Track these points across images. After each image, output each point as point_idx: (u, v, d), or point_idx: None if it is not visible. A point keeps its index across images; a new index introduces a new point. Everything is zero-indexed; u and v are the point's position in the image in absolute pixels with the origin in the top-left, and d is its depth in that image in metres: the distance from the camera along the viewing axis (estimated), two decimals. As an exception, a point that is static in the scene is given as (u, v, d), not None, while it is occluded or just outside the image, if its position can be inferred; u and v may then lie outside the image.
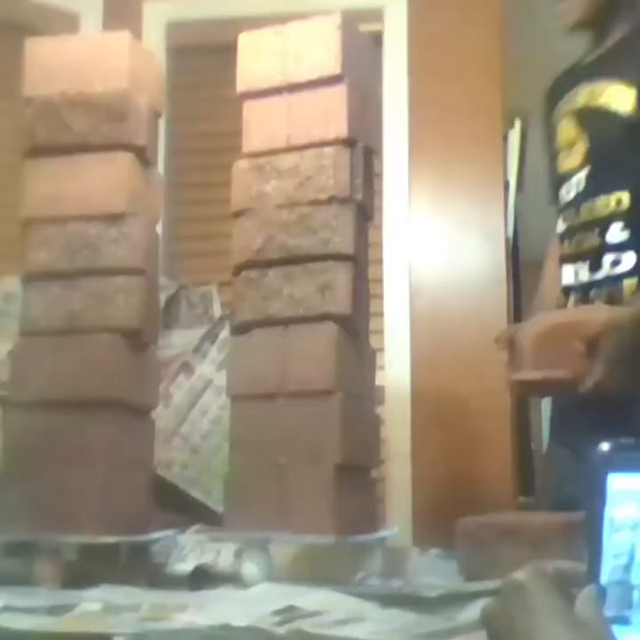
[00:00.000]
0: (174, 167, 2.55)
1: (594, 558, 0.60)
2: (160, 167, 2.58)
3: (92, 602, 1.06)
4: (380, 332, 2.27)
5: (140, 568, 1.29)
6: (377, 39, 2.36)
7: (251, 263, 1.36)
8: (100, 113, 1.37)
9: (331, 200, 1.30)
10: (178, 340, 2.08)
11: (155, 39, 2.57)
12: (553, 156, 1.65)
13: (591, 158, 1.56)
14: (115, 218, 1.35)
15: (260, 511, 1.27)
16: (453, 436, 2.30)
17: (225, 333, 2.02)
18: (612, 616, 0.58)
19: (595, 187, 1.56)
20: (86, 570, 1.23)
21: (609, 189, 1.54)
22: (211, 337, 2.08)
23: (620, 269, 1.54)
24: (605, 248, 1.55)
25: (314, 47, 1.34)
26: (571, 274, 1.61)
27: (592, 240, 1.57)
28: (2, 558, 1.29)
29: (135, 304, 1.34)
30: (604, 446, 0.59)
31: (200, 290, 2.20)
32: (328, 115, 1.32)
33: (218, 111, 2.48)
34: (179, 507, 1.80)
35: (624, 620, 0.59)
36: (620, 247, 1.55)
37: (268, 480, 1.29)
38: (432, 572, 1.25)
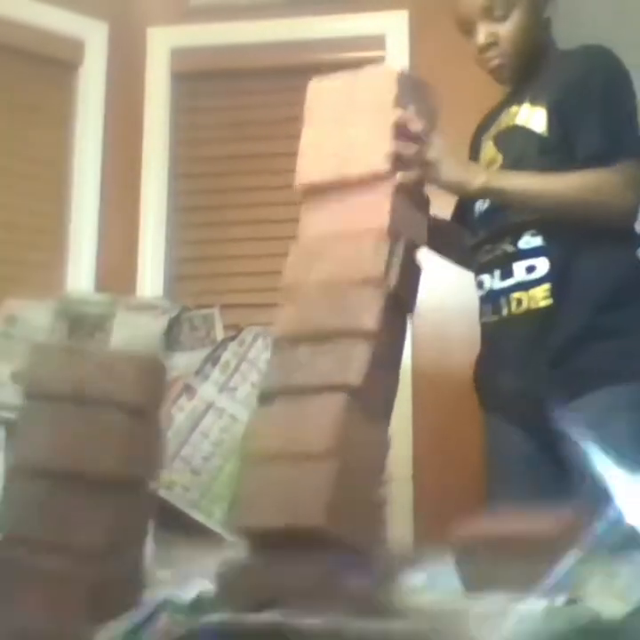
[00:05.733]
0: (177, 191, 2.58)
1: None
2: (163, 190, 2.64)
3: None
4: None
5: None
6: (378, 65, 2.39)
7: (285, 338, 1.37)
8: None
9: (364, 282, 1.32)
10: (180, 363, 2.09)
11: (159, 65, 2.61)
12: None
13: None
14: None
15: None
16: (455, 458, 2.30)
17: (227, 355, 2.03)
18: None
19: None
20: None
21: None
22: (212, 359, 2.09)
23: (534, 276, 1.58)
24: (517, 255, 1.60)
25: (366, 147, 1.38)
26: (485, 282, 1.65)
27: (505, 247, 1.62)
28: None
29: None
30: None
31: (202, 312, 2.21)
32: (374, 207, 1.35)
33: (220, 136, 2.50)
34: (180, 528, 1.80)
35: None
36: (532, 253, 1.59)
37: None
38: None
